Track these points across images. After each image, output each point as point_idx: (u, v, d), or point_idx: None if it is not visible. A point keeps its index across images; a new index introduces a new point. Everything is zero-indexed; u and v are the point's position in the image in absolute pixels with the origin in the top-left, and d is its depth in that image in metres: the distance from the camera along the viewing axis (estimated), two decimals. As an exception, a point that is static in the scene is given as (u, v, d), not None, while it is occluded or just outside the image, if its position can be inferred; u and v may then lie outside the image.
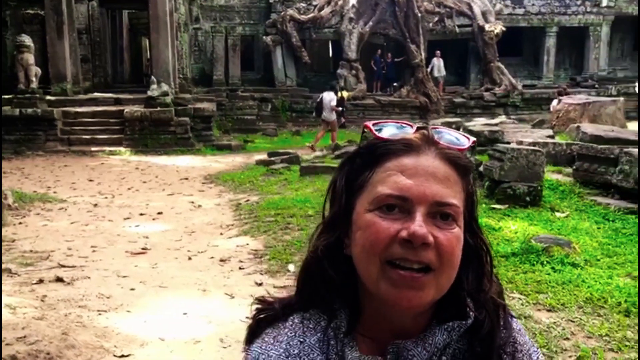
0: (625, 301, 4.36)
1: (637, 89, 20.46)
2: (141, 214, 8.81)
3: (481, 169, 8.37)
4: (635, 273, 5.00)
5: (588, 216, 7.09)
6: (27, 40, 16.77)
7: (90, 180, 11.89)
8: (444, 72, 24.65)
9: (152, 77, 17.78)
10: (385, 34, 24.60)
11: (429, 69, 24.12)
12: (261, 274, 5.76)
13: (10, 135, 15.58)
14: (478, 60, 25.30)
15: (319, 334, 0.95)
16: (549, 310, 4.34)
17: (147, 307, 4.87)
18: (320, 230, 1.01)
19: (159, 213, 8.86)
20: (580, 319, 4.15)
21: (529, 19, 26.30)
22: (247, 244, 6.90)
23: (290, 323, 0.97)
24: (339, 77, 23.40)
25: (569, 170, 8.87)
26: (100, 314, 4.63)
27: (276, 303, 1.02)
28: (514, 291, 4.67)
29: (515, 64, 26.66)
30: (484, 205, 7.27)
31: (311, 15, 24.13)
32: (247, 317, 1.06)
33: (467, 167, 0.94)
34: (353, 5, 23.86)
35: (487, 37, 24.21)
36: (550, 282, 4.82)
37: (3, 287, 4.82)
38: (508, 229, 6.48)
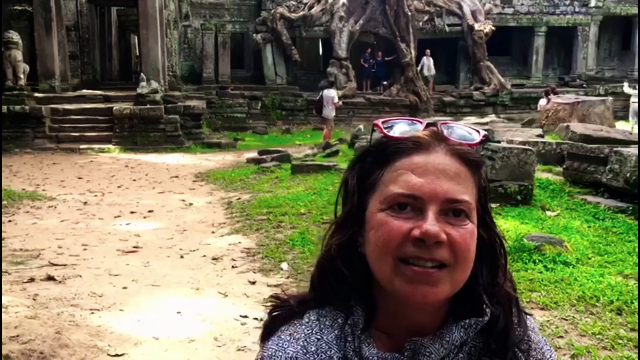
0: (617, 299, 4.39)
1: (624, 89, 20.60)
2: (132, 212, 8.76)
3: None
4: (627, 271, 5.04)
5: (578, 215, 7.13)
6: (14, 36, 16.60)
7: (80, 178, 11.81)
8: (433, 71, 24.73)
9: (142, 74, 17.69)
10: (376, 32, 24.64)
11: (418, 68, 24.19)
12: (254, 273, 5.75)
13: (-2, 132, 15.45)
14: (467, 60, 25.41)
15: (336, 331, 0.94)
16: (542, 309, 4.37)
17: (140, 306, 4.84)
18: (333, 229, 1.01)
19: (149, 211, 8.81)
20: (574, 317, 4.17)
21: (518, 18, 26.46)
22: (240, 243, 6.88)
23: (307, 320, 0.97)
24: (329, 75, 23.39)
25: (559, 169, 8.93)
26: (93, 313, 4.60)
27: (291, 300, 1.02)
28: (507, 289, 4.69)
29: (504, 63, 26.81)
30: (475, 204, 7.29)
31: (301, 13, 24.11)
32: (259, 318, 1.05)
33: (478, 162, 0.95)
34: (343, 4, 23.86)
35: (477, 36, 24.32)
36: (542, 280, 4.84)
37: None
38: (499, 227, 6.49)
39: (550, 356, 1.01)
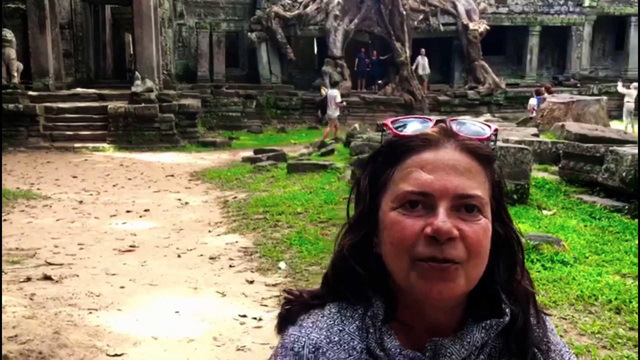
0: (616, 298, 4.40)
1: (618, 88, 20.68)
2: (128, 211, 8.73)
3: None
4: (624, 270, 5.05)
5: (575, 214, 7.15)
6: (8, 34, 16.52)
7: (74, 177, 11.76)
8: (428, 70, 24.74)
9: (137, 72, 17.62)
10: (371, 31, 24.64)
11: (413, 67, 24.21)
12: (252, 272, 5.74)
13: (-8, 130, 15.35)
14: (462, 59, 25.45)
15: (357, 322, 0.94)
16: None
17: (138, 306, 4.82)
18: (345, 229, 1.01)
19: (145, 210, 8.78)
20: (573, 316, 4.18)
21: (513, 18, 26.51)
22: (237, 242, 6.87)
23: (328, 312, 0.97)
24: (323, 74, 23.39)
25: (555, 168, 8.95)
26: (91, 313, 4.58)
27: (304, 293, 1.02)
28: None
29: (498, 62, 26.86)
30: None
31: (296, 12, 24.08)
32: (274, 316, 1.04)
33: (489, 157, 0.94)
34: (338, 3, 23.84)
35: (472, 35, 24.36)
36: (541, 279, 4.85)
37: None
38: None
39: (569, 359, 1.01)
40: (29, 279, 5.39)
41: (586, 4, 26.41)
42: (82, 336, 4.01)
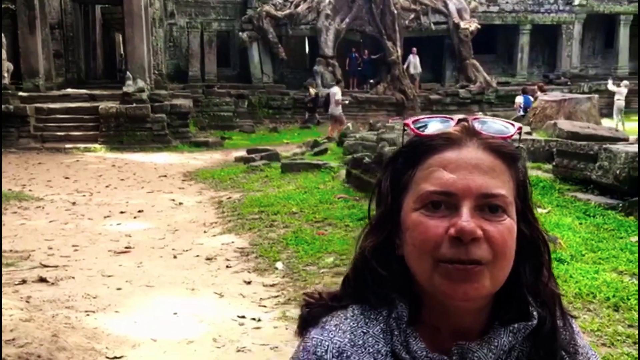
0: (614, 296, 4.42)
1: (608, 86, 20.81)
2: (121, 212, 8.68)
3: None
4: (621, 268, 5.08)
5: (569, 212, 7.17)
6: (-2, 35, 16.40)
7: (66, 178, 11.68)
8: (419, 69, 24.78)
9: (128, 73, 17.53)
10: (362, 30, 24.64)
11: (405, 66, 24.24)
12: (249, 272, 5.72)
13: (-19, 132, 15.23)
14: (453, 58, 25.52)
15: (381, 324, 0.92)
16: (539, 306, 4.38)
17: (135, 307, 4.79)
18: (367, 231, 0.99)
19: (139, 211, 8.73)
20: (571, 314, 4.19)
21: (503, 16, 26.61)
22: (233, 242, 6.84)
23: (351, 314, 0.94)
24: (315, 73, 23.37)
25: (549, 166, 8.98)
26: (88, 315, 4.54)
27: (324, 295, 1.00)
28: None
29: (489, 61, 26.95)
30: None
31: (287, 11, 24.04)
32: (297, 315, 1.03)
33: (513, 155, 0.92)
34: (330, 2, 23.83)
35: (463, 34, 24.44)
36: (538, 277, 4.86)
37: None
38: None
39: None
40: (24, 282, 5.35)
41: (576, 2, 26.54)
42: (81, 339, 3.98)
